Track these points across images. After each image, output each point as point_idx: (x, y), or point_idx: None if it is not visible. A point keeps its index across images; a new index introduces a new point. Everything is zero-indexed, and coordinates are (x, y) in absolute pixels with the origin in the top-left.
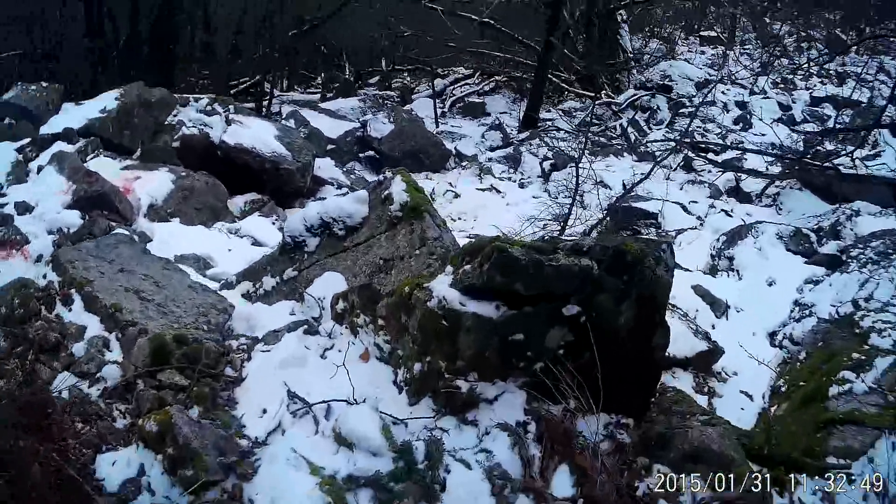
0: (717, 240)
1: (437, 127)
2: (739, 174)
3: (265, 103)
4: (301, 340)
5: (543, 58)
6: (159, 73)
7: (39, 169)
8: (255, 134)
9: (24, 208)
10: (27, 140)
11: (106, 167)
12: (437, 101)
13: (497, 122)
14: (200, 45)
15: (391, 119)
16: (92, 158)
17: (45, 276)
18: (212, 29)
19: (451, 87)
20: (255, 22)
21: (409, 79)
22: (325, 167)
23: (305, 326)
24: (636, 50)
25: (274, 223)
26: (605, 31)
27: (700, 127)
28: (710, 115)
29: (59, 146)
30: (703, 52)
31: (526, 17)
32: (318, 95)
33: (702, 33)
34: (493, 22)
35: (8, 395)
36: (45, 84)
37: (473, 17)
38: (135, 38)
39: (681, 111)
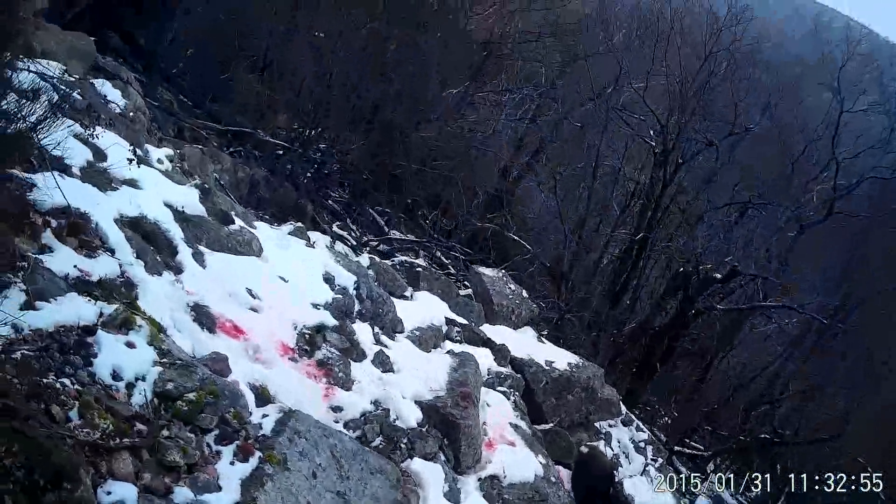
0: None
1: None
2: None
3: (697, 481)
4: None
5: None
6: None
7: None
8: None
9: (381, 361)
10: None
11: (501, 408)
12: None
13: None
14: (693, 382)
15: None
16: (501, 391)
17: (263, 417)
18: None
19: None
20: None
21: None
22: None
23: None
24: None
25: None
26: None
27: None
28: None
29: (480, 354)
30: None
31: None
32: None
33: None
34: None
35: None
36: (525, 294)
37: None
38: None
39: None
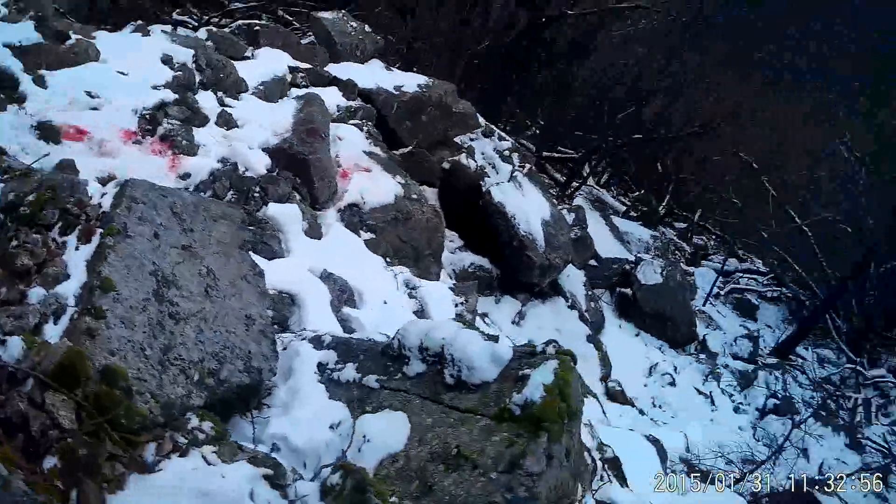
0: None
1: (704, 305)
2: None
3: (574, 185)
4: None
5: (830, 297)
6: (500, 89)
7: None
8: (523, 205)
9: (225, 121)
10: (299, 64)
11: (353, 139)
12: (720, 279)
13: (756, 333)
14: (555, 90)
15: (664, 273)
16: (353, 124)
17: (102, 196)
18: (578, 83)
19: (739, 274)
20: (619, 101)
21: (711, 241)
22: (573, 278)
23: (271, 472)
24: None
25: (459, 305)
26: None
27: None
28: None
29: (328, 93)
30: None
31: (837, 247)
32: (624, 208)
33: None
34: (810, 234)
35: None
36: (368, 28)
37: (797, 220)
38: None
39: None
